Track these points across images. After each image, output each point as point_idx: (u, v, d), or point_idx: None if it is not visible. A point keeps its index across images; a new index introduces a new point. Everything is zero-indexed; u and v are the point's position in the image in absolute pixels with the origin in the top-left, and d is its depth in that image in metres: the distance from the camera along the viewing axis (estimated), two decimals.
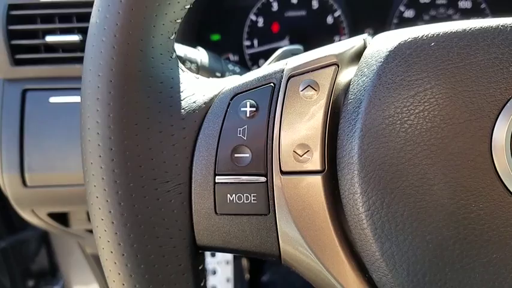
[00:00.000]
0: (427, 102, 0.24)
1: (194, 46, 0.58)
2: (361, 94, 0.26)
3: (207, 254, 0.92)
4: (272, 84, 0.27)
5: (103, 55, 0.25)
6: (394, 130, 0.24)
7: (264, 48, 0.71)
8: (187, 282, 0.26)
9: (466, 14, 0.69)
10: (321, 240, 0.26)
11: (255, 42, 0.72)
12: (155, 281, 0.25)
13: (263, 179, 0.26)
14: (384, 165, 0.24)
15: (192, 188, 0.26)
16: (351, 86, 0.26)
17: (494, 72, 0.24)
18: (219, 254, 0.95)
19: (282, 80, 0.27)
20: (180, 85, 0.27)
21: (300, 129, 0.26)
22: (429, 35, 0.25)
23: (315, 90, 0.26)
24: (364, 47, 0.29)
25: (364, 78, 0.26)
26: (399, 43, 0.26)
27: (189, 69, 0.40)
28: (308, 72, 0.27)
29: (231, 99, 0.27)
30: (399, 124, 0.24)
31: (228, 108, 0.27)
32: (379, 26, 0.70)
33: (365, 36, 0.30)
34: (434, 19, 0.69)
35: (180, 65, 0.29)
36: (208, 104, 0.27)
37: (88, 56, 0.26)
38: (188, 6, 0.28)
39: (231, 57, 0.72)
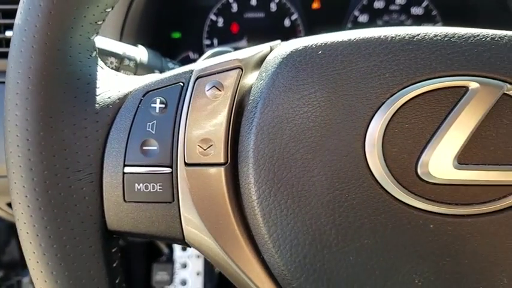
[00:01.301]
0: (310, 104, 0.28)
1: (155, 44, 0.61)
2: (258, 96, 0.29)
3: (178, 248, 0.95)
4: (181, 83, 0.30)
5: (23, 54, 0.28)
6: (281, 128, 0.28)
7: (224, 47, 0.75)
8: (97, 262, 0.30)
9: (418, 20, 0.73)
10: (221, 225, 0.29)
11: (215, 41, 0.75)
12: (67, 260, 0.29)
13: (169, 170, 0.29)
14: (272, 159, 0.28)
15: (103, 177, 0.30)
16: (252, 88, 0.30)
17: (372, 78, 0.28)
18: (190, 249, 0.98)
19: (190, 80, 0.30)
20: (97, 82, 0.30)
21: (205, 125, 0.29)
22: (318, 44, 0.29)
23: (220, 90, 0.30)
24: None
25: (261, 81, 0.29)
26: (291, 51, 0.29)
27: (127, 66, 0.43)
28: (214, 74, 0.30)
29: (143, 96, 0.30)
30: (286, 123, 0.28)
31: (139, 104, 0.30)
32: (334, 29, 0.74)
33: (275, 43, 0.34)
34: (387, 24, 0.73)
35: (100, 62, 0.32)
36: (122, 100, 0.31)
37: (11, 54, 0.29)
38: (109, 9, 0.31)
39: (191, 55, 0.76)
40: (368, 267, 0.28)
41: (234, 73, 0.30)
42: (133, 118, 0.30)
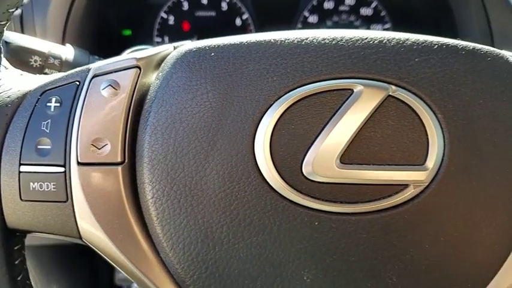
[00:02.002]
0: (202, 105, 0.29)
1: (104, 40, 0.61)
2: (153, 95, 0.30)
3: None
4: (77, 82, 0.31)
5: None
6: (175, 128, 0.29)
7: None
8: None
9: (367, 20, 0.75)
10: (117, 224, 0.30)
11: (166, 39, 0.76)
12: None
13: (62, 169, 0.30)
14: (166, 158, 0.29)
15: (1, 176, 0.30)
16: (151, 87, 0.31)
17: (261, 80, 0.29)
18: None
19: (86, 79, 0.31)
20: None
21: (99, 124, 0.30)
22: (211, 46, 0.30)
23: (116, 89, 0.30)
24: None
25: (158, 81, 0.30)
26: (186, 52, 0.30)
27: (52, 64, 0.44)
28: (111, 72, 0.31)
29: (41, 95, 0.31)
30: (179, 123, 0.29)
31: (36, 103, 0.31)
32: (284, 29, 0.75)
33: (180, 43, 0.35)
34: (337, 25, 0.75)
35: (5, 62, 0.32)
36: (21, 99, 0.31)
37: None
38: (13, 10, 0.32)
39: None
40: (258, 264, 0.29)
41: (132, 72, 0.31)
42: (30, 117, 0.30)
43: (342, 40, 0.30)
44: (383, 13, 0.75)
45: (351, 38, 0.30)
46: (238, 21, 0.75)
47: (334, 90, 0.29)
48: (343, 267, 0.29)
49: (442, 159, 0.29)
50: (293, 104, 0.29)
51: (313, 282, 0.30)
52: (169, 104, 0.29)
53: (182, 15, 0.75)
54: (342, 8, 0.75)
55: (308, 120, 0.29)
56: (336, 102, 0.29)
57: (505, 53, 0.31)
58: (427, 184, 0.29)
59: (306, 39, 0.30)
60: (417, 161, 0.29)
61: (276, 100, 0.29)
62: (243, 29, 0.75)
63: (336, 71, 0.29)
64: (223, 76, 0.29)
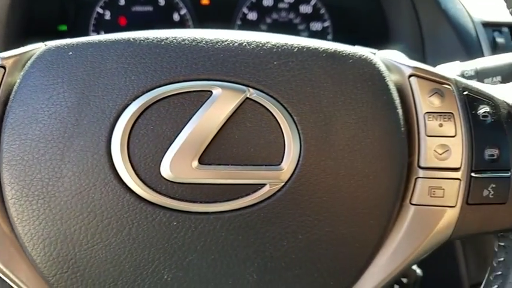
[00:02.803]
0: (59, 105, 0.29)
1: (41, 36, 0.61)
2: (13, 95, 0.30)
3: None
4: None
5: None
6: (32, 128, 0.29)
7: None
8: None
9: (306, 18, 0.76)
10: None
11: (102, 34, 0.75)
12: None
13: None
14: (23, 159, 0.29)
15: None
16: (15, 87, 0.31)
17: (119, 80, 0.30)
18: None
19: None
20: None
21: None
22: (70, 45, 0.31)
23: None
24: None
25: (18, 81, 0.31)
26: (45, 51, 0.31)
27: None
28: None
29: None
30: (35, 123, 0.29)
31: None
32: (223, 26, 0.75)
33: (51, 43, 0.35)
34: (276, 22, 0.75)
35: None
36: None
37: None
38: None
39: None
40: (118, 264, 0.30)
41: None
42: None
43: (201, 42, 0.30)
44: (322, 11, 0.76)
45: (211, 40, 0.30)
46: (176, 17, 0.75)
47: (193, 91, 0.30)
48: (203, 265, 0.30)
49: (299, 160, 0.30)
50: (151, 104, 0.29)
51: (174, 281, 0.30)
52: (26, 104, 0.30)
53: (118, 10, 0.75)
54: (281, 5, 0.75)
55: (166, 121, 0.29)
56: (194, 104, 0.30)
57: (370, 55, 0.32)
58: (283, 183, 0.30)
59: (166, 39, 0.30)
60: (274, 161, 0.30)
61: (134, 100, 0.29)
62: (181, 25, 0.75)
63: (194, 72, 0.30)
64: (80, 75, 0.30)
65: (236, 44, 0.30)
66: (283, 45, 0.31)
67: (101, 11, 0.75)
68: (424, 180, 0.32)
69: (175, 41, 0.30)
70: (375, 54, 0.35)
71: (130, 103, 0.29)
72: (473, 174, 0.32)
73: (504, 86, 0.36)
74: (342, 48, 0.32)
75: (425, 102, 0.33)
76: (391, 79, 0.32)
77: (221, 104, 0.29)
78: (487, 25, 0.63)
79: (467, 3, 0.67)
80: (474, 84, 0.34)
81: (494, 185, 0.33)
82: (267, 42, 0.31)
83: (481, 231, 0.34)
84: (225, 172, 0.30)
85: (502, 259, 0.35)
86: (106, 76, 0.30)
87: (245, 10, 0.75)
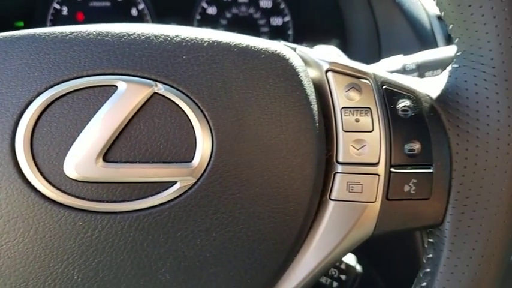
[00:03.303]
0: None
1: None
2: None
3: None
4: None
5: None
6: None
7: None
8: None
9: (266, 13, 0.75)
10: None
11: None
12: None
13: None
14: None
15: None
16: None
17: (22, 76, 0.29)
18: None
19: None
20: None
21: None
22: None
23: None
24: None
25: None
26: None
27: None
28: None
29: None
30: None
31: None
32: (183, 21, 0.75)
33: None
34: (236, 17, 0.75)
35: None
36: None
37: None
38: None
39: None
40: (28, 264, 0.29)
41: None
42: None
43: (107, 36, 0.29)
44: (282, 6, 0.75)
45: (117, 34, 0.30)
46: (134, 12, 0.74)
47: (98, 86, 0.29)
48: (113, 266, 0.30)
49: (211, 156, 0.29)
50: (54, 100, 0.29)
51: (84, 282, 0.30)
52: None
53: (76, 5, 0.74)
54: (241, 0, 0.74)
55: (70, 117, 0.29)
56: (99, 99, 0.29)
57: (283, 50, 0.31)
58: (194, 180, 0.29)
59: (71, 34, 0.29)
60: (185, 158, 0.29)
61: (37, 96, 0.29)
62: (140, 20, 0.74)
63: (99, 67, 0.29)
64: None
65: (143, 37, 0.30)
66: (193, 39, 0.30)
67: (57, 6, 0.74)
68: (343, 175, 0.32)
69: (80, 35, 0.29)
70: (295, 49, 0.34)
71: (33, 99, 0.29)
72: (392, 169, 0.32)
73: (430, 80, 0.36)
74: (255, 43, 0.31)
75: (341, 97, 0.32)
76: (306, 74, 0.32)
77: (126, 99, 0.29)
78: (441, 18, 0.63)
79: None
80: (394, 78, 0.34)
81: (415, 181, 0.32)
82: (176, 36, 0.30)
83: (405, 227, 0.33)
84: (133, 170, 0.29)
85: (430, 256, 0.35)
86: (10, 73, 0.29)
87: (204, 5, 0.74)
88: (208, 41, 0.30)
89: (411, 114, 0.32)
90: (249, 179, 0.30)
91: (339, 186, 0.32)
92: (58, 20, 0.74)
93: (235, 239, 0.30)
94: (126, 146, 0.29)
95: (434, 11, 0.64)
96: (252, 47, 0.31)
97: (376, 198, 0.32)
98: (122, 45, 0.29)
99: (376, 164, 0.32)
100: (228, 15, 0.75)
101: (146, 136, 0.29)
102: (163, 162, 0.29)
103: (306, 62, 0.33)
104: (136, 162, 0.29)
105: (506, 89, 0.32)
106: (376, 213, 0.32)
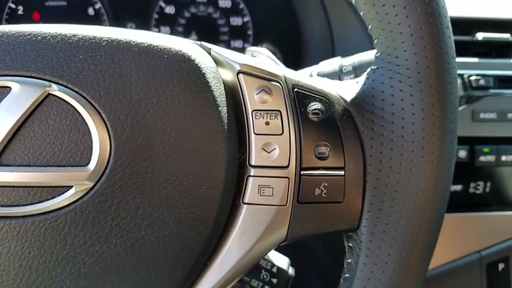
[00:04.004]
0: None
1: None
2: None
3: None
4: None
5: None
6: None
7: None
8: None
9: (226, 12, 0.74)
10: None
11: None
12: None
13: None
14: None
15: None
16: None
17: None
18: None
19: None
20: None
21: None
22: None
23: None
24: None
25: None
26: None
27: None
28: None
29: None
30: None
31: None
32: (140, 20, 0.74)
33: None
34: (195, 16, 0.74)
35: None
36: None
37: None
38: None
39: None
40: None
41: None
42: None
43: (3, 36, 0.29)
44: (241, 5, 0.74)
45: (13, 34, 0.29)
46: (91, 11, 0.73)
47: None
48: (11, 271, 0.29)
49: (109, 160, 0.29)
50: None
51: None
52: None
53: (32, 4, 0.73)
54: None
55: None
56: None
57: (189, 51, 0.30)
58: (91, 185, 0.28)
59: None
60: (81, 162, 0.28)
61: None
62: (97, 19, 0.73)
63: None
64: None
65: (39, 37, 0.29)
66: (91, 38, 0.29)
67: (13, 6, 0.73)
68: (255, 178, 0.31)
69: None
70: (210, 49, 0.33)
71: None
72: (303, 172, 0.31)
73: (349, 82, 0.35)
74: (159, 42, 0.30)
75: (252, 99, 0.31)
76: (216, 76, 0.31)
77: (19, 101, 0.28)
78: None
79: None
80: (307, 80, 0.33)
81: (326, 184, 0.32)
82: (74, 35, 0.29)
83: (319, 231, 0.33)
84: (27, 174, 0.28)
85: (349, 261, 0.34)
86: None
87: (162, 4, 0.73)
88: (108, 40, 0.29)
89: (322, 117, 0.32)
90: (151, 183, 0.29)
91: (251, 190, 0.31)
92: (13, 19, 0.73)
93: (138, 246, 0.30)
94: (19, 149, 0.28)
95: None
96: (154, 46, 0.30)
97: (287, 202, 0.31)
98: (17, 45, 0.28)
99: (286, 167, 0.31)
100: (187, 14, 0.74)
101: (40, 139, 0.28)
102: (59, 166, 0.28)
103: (219, 63, 0.33)
104: (30, 166, 0.28)
105: (420, 91, 0.31)
106: (288, 217, 0.32)
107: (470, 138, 0.59)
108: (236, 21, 0.75)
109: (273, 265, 0.41)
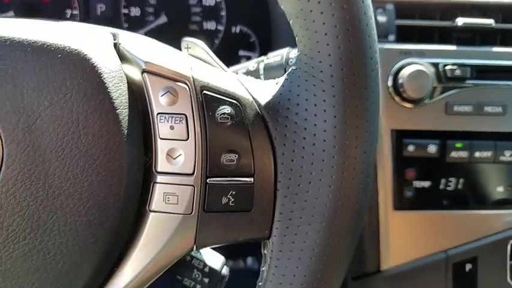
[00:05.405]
0: None
1: None
2: None
3: None
4: None
5: None
6: None
7: None
8: None
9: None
10: None
11: None
12: None
13: None
14: None
15: None
16: None
17: None
18: None
19: None
20: None
21: None
22: None
23: None
24: None
25: None
26: None
27: None
28: None
29: None
30: None
31: None
32: (110, 1, 0.72)
33: None
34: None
35: None
36: None
37: None
38: None
39: None
40: None
41: None
42: None
43: None
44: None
45: None
46: None
47: None
48: None
49: (1, 165, 0.28)
50: None
51: None
52: None
53: None
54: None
55: None
56: None
57: (83, 49, 0.29)
58: None
59: None
60: None
61: None
62: (66, 0, 0.72)
63: None
64: None
65: None
66: None
67: None
68: (160, 185, 0.31)
69: None
70: (119, 44, 0.32)
71: None
72: (209, 180, 0.30)
73: (268, 83, 0.33)
74: (54, 40, 0.29)
75: (157, 101, 0.30)
76: (116, 75, 0.30)
77: None
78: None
79: None
80: (219, 82, 0.31)
81: (234, 192, 0.31)
82: None
83: (229, 239, 0.32)
84: None
85: (263, 269, 0.33)
86: None
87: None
88: (2, 39, 0.28)
89: (232, 122, 0.30)
90: (45, 190, 0.29)
91: (157, 197, 0.31)
92: None
93: (36, 252, 0.29)
94: None
95: None
96: (48, 45, 0.29)
97: (193, 210, 0.31)
98: None
99: (191, 175, 0.30)
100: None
101: None
102: None
103: (127, 60, 0.31)
104: None
105: (333, 96, 0.29)
106: (194, 226, 0.31)
107: (442, 132, 0.57)
108: (209, 1, 0.73)
109: (205, 265, 0.41)
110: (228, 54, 0.74)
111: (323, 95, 0.29)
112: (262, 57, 0.48)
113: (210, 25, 0.73)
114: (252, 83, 0.33)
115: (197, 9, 0.73)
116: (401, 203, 0.58)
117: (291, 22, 0.31)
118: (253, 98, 0.32)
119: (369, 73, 0.29)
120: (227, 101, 0.31)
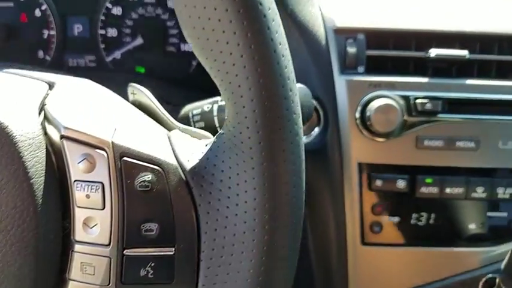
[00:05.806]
0: None
1: None
2: None
3: None
4: None
5: None
6: None
7: None
8: None
9: (174, 13, 0.71)
10: None
11: None
12: None
13: None
14: None
15: None
16: None
17: None
18: None
19: None
20: None
21: None
22: None
23: None
24: None
25: None
26: None
27: None
28: None
29: None
30: None
31: None
32: (87, 22, 0.72)
33: None
34: (143, 18, 0.71)
35: None
36: None
37: None
38: None
39: None
40: None
41: None
42: None
43: None
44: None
45: None
46: (37, 12, 0.72)
47: None
48: None
49: None
50: None
51: None
52: None
53: None
54: (147, 0, 0.71)
55: None
56: None
57: (5, 116, 0.29)
58: None
59: None
60: None
61: None
62: (43, 21, 0.72)
63: None
64: None
65: None
66: None
67: None
68: (78, 254, 0.30)
69: None
70: (45, 105, 0.31)
71: None
72: (125, 252, 0.30)
73: (199, 145, 0.33)
74: None
75: (75, 168, 0.30)
76: (33, 142, 0.29)
77: None
78: (339, 32, 0.57)
79: (327, 5, 0.60)
80: (141, 147, 0.31)
81: (153, 264, 0.30)
82: None
83: None
84: None
85: None
86: None
87: (109, 5, 0.71)
88: None
89: (152, 190, 0.30)
90: None
91: (75, 266, 0.30)
92: None
93: None
94: None
95: (333, 23, 0.59)
96: None
97: (110, 282, 0.30)
98: None
99: (107, 246, 0.30)
100: (134, 15, 0.71)
101: None
102: None
103: (50, 121, 0.31)
104: None
105: (252, 168, 0.29)
106: None
107: (411, 167, 0.55)
108: None
109: None
110: (206, 76, 0.73)
111: (244, 166, 0.29)
112: (218, 98, 0.47)
113: (187, 47, 0.72)
114: (181, 145, 0.33)
115: (174, 31, 0.72)
116: (369, 239, 0.57)
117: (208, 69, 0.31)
118: (178, 162, 0.31)
119: (288, 140, 0.28)
120: (148, 167, 0.30)
